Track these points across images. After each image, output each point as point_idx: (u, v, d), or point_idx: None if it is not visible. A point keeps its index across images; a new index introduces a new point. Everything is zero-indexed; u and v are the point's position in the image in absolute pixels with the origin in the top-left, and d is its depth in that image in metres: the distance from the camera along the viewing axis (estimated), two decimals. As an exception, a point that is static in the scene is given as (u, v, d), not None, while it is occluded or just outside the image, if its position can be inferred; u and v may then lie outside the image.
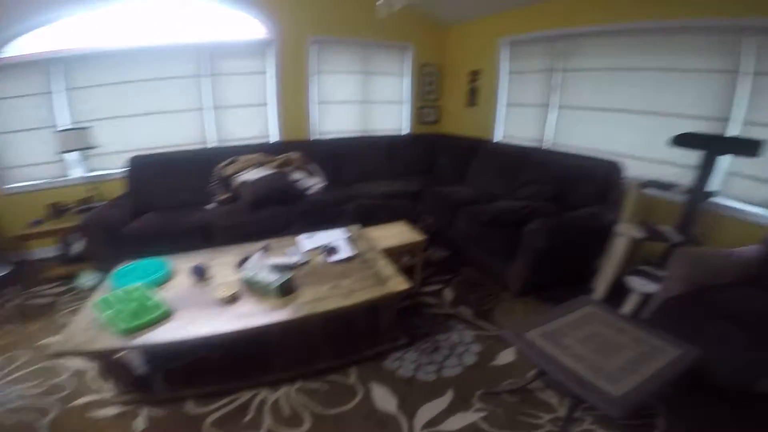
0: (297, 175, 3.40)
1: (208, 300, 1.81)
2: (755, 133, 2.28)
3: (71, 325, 1.64)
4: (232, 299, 1.81)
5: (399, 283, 1.93)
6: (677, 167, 2.68)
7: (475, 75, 4.28)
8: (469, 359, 2.09)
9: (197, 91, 3.59)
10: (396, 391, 1.85)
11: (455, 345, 2.20)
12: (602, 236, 2.82)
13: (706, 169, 2.26)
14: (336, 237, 2.43)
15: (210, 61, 3.55)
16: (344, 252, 2.23)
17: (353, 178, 3.90)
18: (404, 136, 4.64)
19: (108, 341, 1.54)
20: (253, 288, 1.89)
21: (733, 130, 2.40)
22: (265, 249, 2.29)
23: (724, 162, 2.42)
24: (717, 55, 2.43)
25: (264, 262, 1.99)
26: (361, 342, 2.12)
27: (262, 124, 3.91)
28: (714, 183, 2.42)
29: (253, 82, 3.77)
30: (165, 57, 3.41)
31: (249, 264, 1.97)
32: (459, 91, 4.53)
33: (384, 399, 1.81)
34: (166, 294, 1.85)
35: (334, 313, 1.76)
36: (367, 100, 4.34)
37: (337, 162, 3.90)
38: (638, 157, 2.91)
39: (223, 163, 3.35)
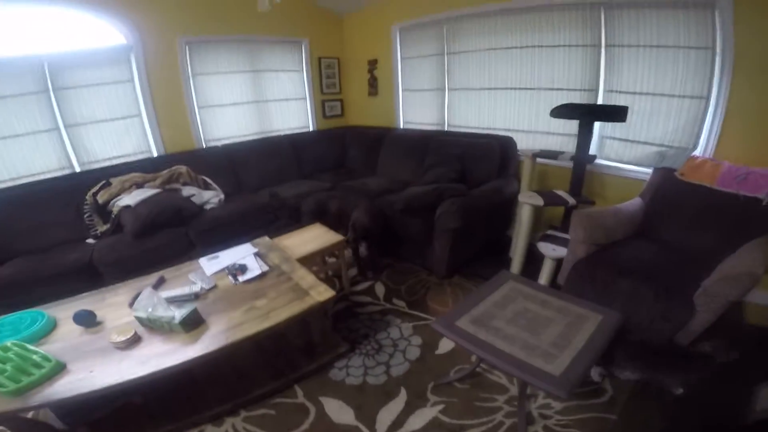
0: (188, 191, 3.02)
1: (104, 346, 1.54)
2: (615, 100, 2.59)
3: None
4: (131, 342, 1.54)
5: (322, 292, 1.80)
6: (561, 136, 2.95)
7: (373, 64, 4.25)
8: (413, 353, 2.07)
9: (46, 108, 2.94)
10: (350, 401, 1.77)
11: (397, 341, 2.16)
12: (508, 207, 3.03)
13: (584, 135, 2.50)
14: (243, 254, 2.19)
15: (57, 73, 2.93)
16: (254, 269, 2.01)
17: (257, 184, 3.61)
18: (310, 132, 4.44)
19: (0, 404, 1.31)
20: (155, 326, 1.60)
21: (600, 98, 2.70)
22: (160, 281, 1.97)
23: (598, 128, 2.71)
24: (581, 30, 2.69)
25: (159, 297, 1.69)
26: (299, 357, 1.97)
27: (138, 139, 3.38)
28: (593, 147, 2.70)
29: (118, 92, 3.21)
30: None
31: (139, 301, 1.66)
32: (360, 82, 4.46)
33: (339, 411, 1.72)
34: (53, 347, 1.58)
35: (252, 339, 1.57)
36: (262, 100, 4.03)
37: (237, 169, 3.57)
38: (526, 131, 3.15)
39: (93, 189, 2.82)
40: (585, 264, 2.08)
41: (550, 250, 2.44)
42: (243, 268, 2.00)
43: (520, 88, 3.09)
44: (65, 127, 3.03)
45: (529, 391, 1.68)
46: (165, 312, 1.57)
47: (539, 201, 2.46)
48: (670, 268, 1.85)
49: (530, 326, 1.53)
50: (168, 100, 3.41)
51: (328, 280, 2.71)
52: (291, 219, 3.26)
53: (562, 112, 2.55)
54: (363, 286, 2.74)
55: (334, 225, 2.80)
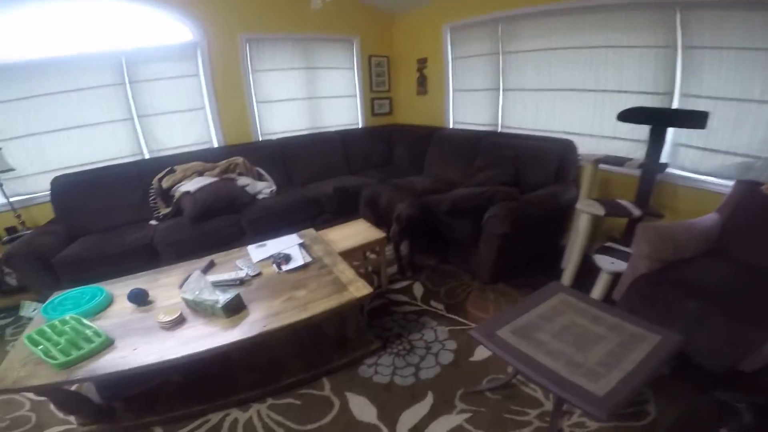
0: (243, 181, 3.16)
1: (150, 326, 1.63)
2: (691, 105, 2.34)
3: (5, 362, 1.49)
4: (175, 323, 1.61)
5: (360, 288, 1.79)
6: (627, 142, 2.71)
7: (422, 63, 4.20)
8: (446, 357, 1.99)
9: (122, 100, 3.22)
10: (374, 400, 1.74)
11: (430, 343, 2.10)
12: (564, 215, 2.84)
13: (656, 142, 2.28)
14: (289, 244, 2.24)
15: (132, 67, 3.20)
16: (298, 260, 2.05)
17: (307, 178, 3.70)
18: (358, 129, 4.48)
19: (46, 376, 1.39)
20: (199, 309, 1.68)
21: (675, 103, 2.45)
22: (210, 265, 2.07)
23: (671, 134, 2.46)
24: (653, 30, 2.45)
25: (206, 281, 1.78)
26: (332, 351, 1.98)
27: (201, 130, 3.60)
28: (664, 155, 2.46)
29: (185, 86, 3.45)
30: (80, 66, 3.02)
31: (188, 284, 1.75)
32: (409, 81, 4.43)
33: (363, 409, 1.69)
34: (106, 322, 1.68)
35: (289, 329, 1.59)
36: (315, 96, 4.13)
37: (289, 162, 3.69)
38: (588, 134, 2.93)
39: (159, 175, 3.05)
40: (646, 281, 1.89)
41: (607, 264, 2.25)
42: (287, 258, 2.05)
43: (582, 90, 2.88)
44: (138, 117, 3.31)
45: (564, 407, 1.56)
46: (210, 296, 1.63)
47: (599, 210, 2.28)
48: (746, 291, 1.64)
49: (577, 342, 1.41)
50: (229, 94, 3.60)
51: (366, 276, 2.72)
52: (338, 213, 3.32)
53: (632, 116, 2.34)
54: (401, 284, 2.70)
55: (382, 217, 2.80)
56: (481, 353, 2.01)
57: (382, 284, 2.63)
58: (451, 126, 4.11)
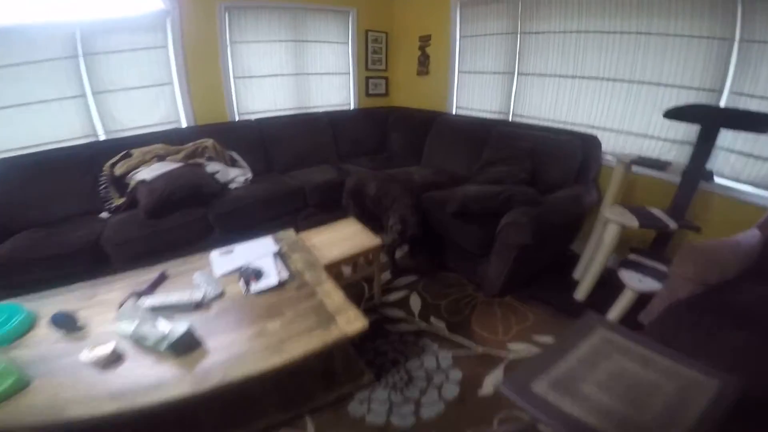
0: (213, 167, 2.71)
1: (78, 363, 1.23)
2: (742, 105, 2.00)
3: None
4: (109, 362, 1.22)
5: (352, 320, 1.41)
6: (663, 142, 2.36)
7: (425, 41, 3.73)
8: (451, 391, 1.67)
9: (74, 75, 2.69)
10: None
11: (432, 373, 1.77)
12: (581, 220, 2.51)
13: (704, 145, 1.92)
14: (261, 252, 1.83)
15: (88, 39, 2.67)
16: (272, 276, 1.65)
17: (289, 164, 3.25)
18: (350, 111, 4.02)
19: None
20: (140, 343, 1.28)
21: (724, 101, 2.10)
22: (160, 279, 1.65)
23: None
24: (707, 19, 2.06)
25: (149, 307, 1.37)
26: (316, 385, 1.62)
27: (168, 108, 3.09)
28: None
29: (150, 58, 2.92)
30: (23, 38, 2.47)
31: (123, 313, 1.35)
32: (409, 59, 3.96)
33: None
34: (23, 353, 1.31)
35: (257, 378, 1.21)
36: (302, 72, 3.64)
37: (268, 146, 3.22)
38: (615, 130, 2.56)
39: (112, 160, 2.57)
40: (687, 307, 1.57)
41: (635, 282, 1.93)
42: (258, 274, 1.65)
43: (612, 80, 2.49)
44: (93, 93, 2.78)
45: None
46: (151, 329, 1.24)
47: (633, 221, 1.94)
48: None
49: (630, 394, 1.12)
50: (202, 68, 3.09)
51: (356, 285, 2.35)
52: (323, 207, 2.92)
53: (684, 113, 1.97)
54: (397, 294, 2.35)
55: (370, 211, 2.46)
56: (490, 383, 1.70)
57: (375, 296, 2.26)
58: (453, 111, 3.70)
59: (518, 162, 2.47)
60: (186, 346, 1.25)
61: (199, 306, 1.47)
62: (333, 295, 1.54)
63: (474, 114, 3.48)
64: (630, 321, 1.82)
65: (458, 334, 2.02)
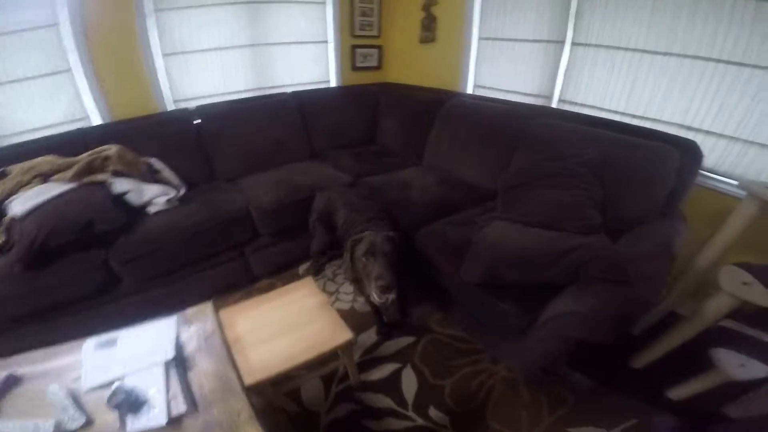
0: (121, 185, 1.87)
1: None
2: None
3: None
4: None
5: None
6: None
7: (431, -2, 2.74)
8: None
9: None
10: None
11: None
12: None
13: None
14: (155, 349, 1.05)
15: None
16: (159, 408, 0.87)
17: (241, 168, 2.39)
18: (329, 90, 3.06)
19: None
20: None
21: None
22: (7, 382, 0.90)
23: None
24: None
25: None
26: None
27: (69, 101, 2.22)
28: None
29: (36, 42, 2.03)
30: None
31: None
32: (409, 22, 2.95)
33: None
34: None
35: None
36: (261, 43, 2.69)
37: (210, 145, 2.34)
38: (726, 136, 1.66)
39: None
40: None
41: (734, 367, 1.30)
42: (137, 405, 0.88)
43: (725, 62, 1.57)
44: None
45: None
46: None
47: (764, 298, 1.13)
48: None
49: None
50: (113, 47, 2.18)
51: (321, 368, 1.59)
52: (284, 234, 2.14)
53: None
54: (384, 370, 1.65)
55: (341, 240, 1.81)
56: None
57: (352, 376, 1.53)
58: (470, 91, 2.76)
59: (582, 183, 1.53)
60: None
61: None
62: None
63: (498, 95, 2.55)
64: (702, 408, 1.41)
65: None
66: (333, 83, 3.12)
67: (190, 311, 1.30)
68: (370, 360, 1.69)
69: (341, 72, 3.09)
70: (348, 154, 2.68)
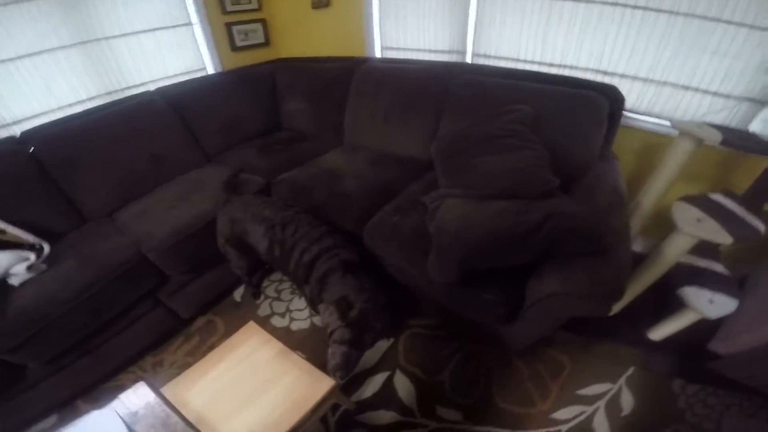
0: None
1: None
2: None
3: None
4: None
5: None
6: (709, 97, 1.58)
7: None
8: None
9: None
10: None
11: None
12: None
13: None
14: None
15: None
16: None
17: (114, 201, 1.85)
18: (208, 78, 2.47)
19: None
20: None
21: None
22: None
23: None
24: None
25: None
26: None
27: None
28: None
29: None
30: None
31: None
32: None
33: None
34: None
35: None
36: (94, 38, 2.00)
37: (62, 177, 1.74)
38: (641, 78, 1.70)
39: None
40: None
41: (704, 303, 1.34)
42: None
43: (641, 8, 1.56)
44: None
45: None
46: None
47: (725, 237, 1.18)
48: None
49: None
50: None
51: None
52: (199, 268, 1.76)
53: None
54: (375, 383, 1.51)
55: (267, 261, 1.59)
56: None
57: (344, 404, 1.38)
58: (378, 55, 2.50)
59: (527, 142, 1.41)
60: None
61: None
62: None
63: (410, 55, 2.34)
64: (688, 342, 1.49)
65: (485, 424, 1.36)
66: (211, 70, 2.55)
67: (124, 396, 0.98)
68: (354, 377, 1.51)
69: (219, 56, 2.53)
70: (253, 148, 2.28)
